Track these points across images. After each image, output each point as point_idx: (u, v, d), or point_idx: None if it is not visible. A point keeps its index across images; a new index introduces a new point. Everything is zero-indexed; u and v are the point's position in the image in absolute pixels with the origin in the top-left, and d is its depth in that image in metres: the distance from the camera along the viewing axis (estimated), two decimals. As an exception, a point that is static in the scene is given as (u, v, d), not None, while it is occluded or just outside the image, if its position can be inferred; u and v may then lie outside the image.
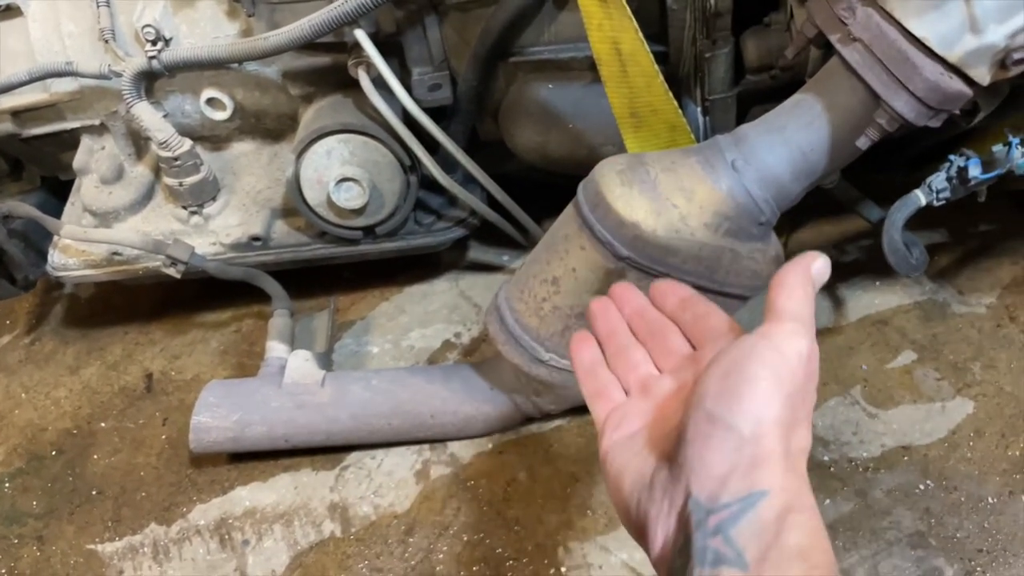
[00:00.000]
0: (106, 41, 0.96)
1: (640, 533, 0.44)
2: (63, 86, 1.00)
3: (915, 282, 1.00)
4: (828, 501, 0.82)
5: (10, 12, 1.02)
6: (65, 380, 1.12)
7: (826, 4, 0.70)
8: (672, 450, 0.43)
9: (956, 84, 0.65)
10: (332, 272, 1.15)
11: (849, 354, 0.94)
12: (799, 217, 0.97)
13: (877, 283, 1.01)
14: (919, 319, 0.97)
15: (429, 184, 1.02)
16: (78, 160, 1.05)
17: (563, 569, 0.82)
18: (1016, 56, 0.64)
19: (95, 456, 1.01)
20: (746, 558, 0.38)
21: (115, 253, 1.02)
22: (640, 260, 0.74)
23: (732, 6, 0.81)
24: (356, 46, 0.91)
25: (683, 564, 0.39)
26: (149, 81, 0.98)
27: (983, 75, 0.65)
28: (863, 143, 0.69)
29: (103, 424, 1.05)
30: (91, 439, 1.03)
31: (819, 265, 0.46)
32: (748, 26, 0.87)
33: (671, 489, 0.42)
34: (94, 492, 0.97)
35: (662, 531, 0.42)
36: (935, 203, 0.80)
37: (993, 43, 0.63)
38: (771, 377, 0.41)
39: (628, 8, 0.72)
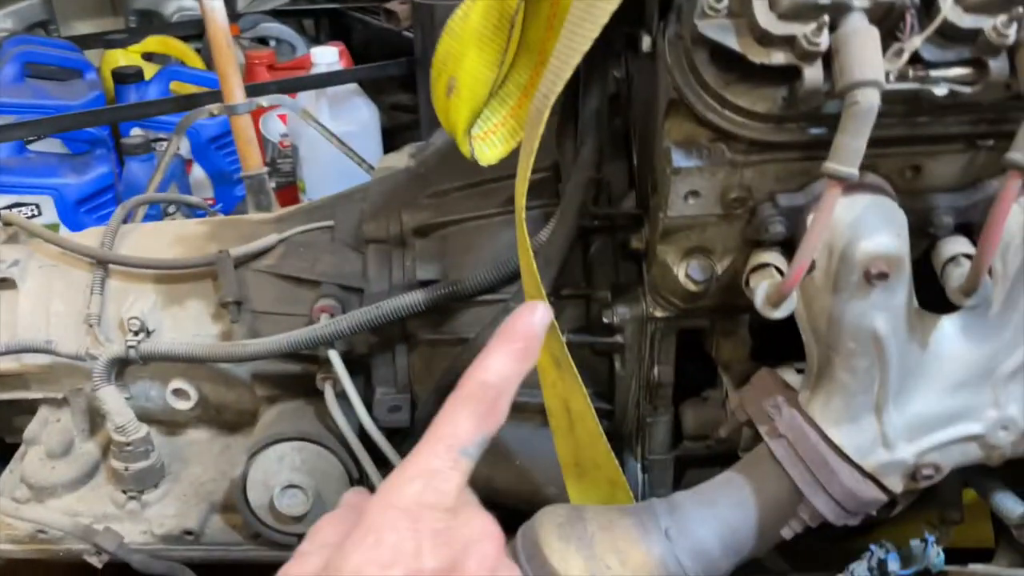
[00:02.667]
0: (90, 325, 1.01)
1: None
2: (37, 359, 1.04)
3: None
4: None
5: (5, 283, 1.07)
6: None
7: (756, 397, 0.77)
8: None
9: (871, 491, 0.70)
10: (259, 572, 1.11)
11: None
12: None
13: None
14: None
15: (373, 497, 1.03)
16: (30, 431, 1.06)
17: None
18: (925, 472, 0.70)
19: None
20: None
21: (40, 531, 0.99)
22: (570, 619, 0.74)
23: (673, 379, 0.89)
24: (327, 362, 0.97)
25: None
26: (122, 366, 1.02)
27: (896, 484, 0.71)
28: (787, 533, 0.73)
29: None
30: None
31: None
32: (688, 396, 0.94)
33: None
34: None
35: None
36: (857, 592, 0.83)
37: (903, 459, 0.70)
38: None
39: (579, 377, 0.78)
